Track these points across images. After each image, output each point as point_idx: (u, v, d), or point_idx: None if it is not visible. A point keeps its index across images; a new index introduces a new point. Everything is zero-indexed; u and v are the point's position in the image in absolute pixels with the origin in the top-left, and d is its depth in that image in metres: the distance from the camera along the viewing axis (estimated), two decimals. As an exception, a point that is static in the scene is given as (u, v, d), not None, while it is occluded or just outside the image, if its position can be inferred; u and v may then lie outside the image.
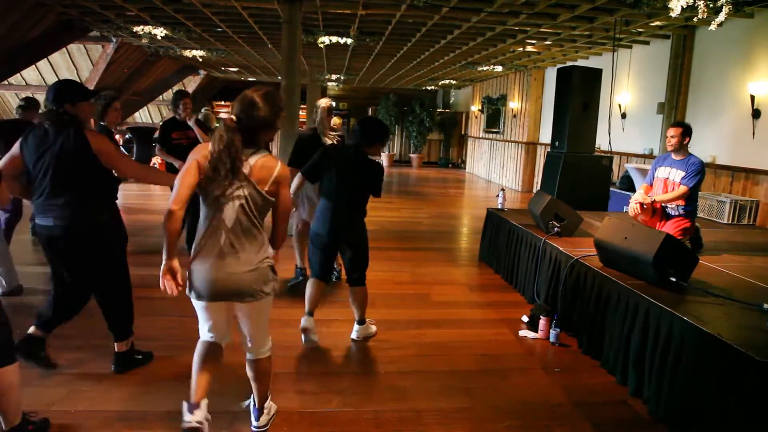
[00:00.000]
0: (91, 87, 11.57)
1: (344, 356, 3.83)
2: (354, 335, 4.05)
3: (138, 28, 8.67)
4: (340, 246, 3.84)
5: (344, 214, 3.73)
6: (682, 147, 4.66)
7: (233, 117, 2.36)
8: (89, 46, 11.38)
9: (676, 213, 4.71)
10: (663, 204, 4.71)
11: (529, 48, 10.07)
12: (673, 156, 4.73)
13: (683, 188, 4.55)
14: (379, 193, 3.79)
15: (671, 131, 4.68)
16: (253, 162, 2.39)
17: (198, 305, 2.54)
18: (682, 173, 4.60)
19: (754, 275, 4.02)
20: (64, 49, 10.84)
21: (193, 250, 2.45)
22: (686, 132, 4.65)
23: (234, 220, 2.39)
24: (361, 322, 4.05)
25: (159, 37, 9.22)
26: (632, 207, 4.74)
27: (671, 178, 4.69)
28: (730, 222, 6.43)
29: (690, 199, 4.65)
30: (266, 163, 2.41)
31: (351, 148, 3.76)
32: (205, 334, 2.64)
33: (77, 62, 11.91)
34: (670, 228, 4.61)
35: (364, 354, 3.87)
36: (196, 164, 2.34)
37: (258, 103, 2.37)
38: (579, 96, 7.15)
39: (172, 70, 14.80)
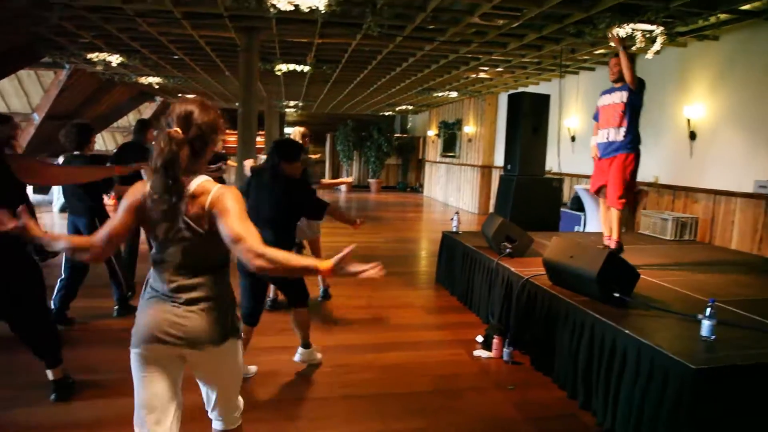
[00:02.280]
0: (42, 114, 11.35)
1: (301, 382, 3.83)
2: (297, 358, 4.02)
3: (92, 55, 8.60)
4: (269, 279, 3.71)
5: (266, 240, 3.52)
6: (621, 75, 4.79)
7: (177, 129, 1.94)
8: (40, 73, 11.17)
9: (618, 145, 4.80)
10: (607, 140, 4.88)
11: (482, 74, 10.40)
12: (614, 85, 4.91)
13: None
14: (320, 214, 3.76)
15: (612, 61, 4.87)
16: (192, 189, 1.95)
17: (135, 364, 2.02)
18: (626, 93, 4.74)
19: (693, 288, 4.23)
20: (13, 75, 10.62)
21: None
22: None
23: (179, 262, 1.99)
24: (306, 345, 4.02)
25: (114, 64, 9.15)
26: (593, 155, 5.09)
27: (614, 101, 4.82)
28: (673, 238, 6.73)
29: (629, 130, 4.74)
30: (203, 189, 1.96)
31: (267, 171, 3.67)
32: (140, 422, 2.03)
33: (27, 89, 11.67)
34: (618, 172, 4.76)
35: (320, 379, 3.88)
36: (128, 205, 1.99)
37: (197, 110, 1.98)
38: (529, 121, 7.42)
39: (128, 97, 14.64)
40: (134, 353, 2.00)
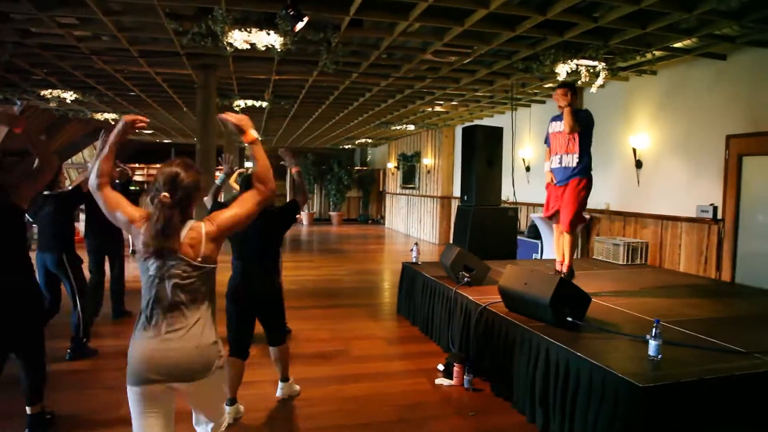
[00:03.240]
0: (-8, 152, 11.05)
1: (264, 417, 3.80)
2: (279, 393, 4.08)
3: (46, 92, 8.48)
4: (257, 306, 3.76)
5: (255, 270, 3.69)
6: (568, 105, 4.91)
7: (166, 194, 2.16)
8: (-10, 110, 10.92)
9: (572, 171, 4.95)
10: (560, 166, 5.03)
11: (437, 108, 10.67)
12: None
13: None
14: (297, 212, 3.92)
15: (558, 92, 4.95)
16: (183, 235, 2.19)
17: (133, 401, 2.17)
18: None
19: (642, 310, 4.40)
20: (-38, 113, 10.36)
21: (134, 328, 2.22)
22: (570, 90, 4.94)
23: (171, 299, 2.16)
24: (285, 379, 4.10)
25: (68, 101, 9.05)
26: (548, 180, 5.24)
27: (563, 129, 4.98)
28: (625, 263, 6.98)
29: (582, 154, 4.90)
30: (193, 232, 2.21)
31: None
32: None
33: (-24, 127, 11.37)
34: (571, 196, 4.91)
35: (284, 413, 3.86)
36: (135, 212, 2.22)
37: (182, 172, 2.22)
38: (483, 153, 7.63)
39: (83, 132, 14.40)
40: (131, 390, 2.14)
